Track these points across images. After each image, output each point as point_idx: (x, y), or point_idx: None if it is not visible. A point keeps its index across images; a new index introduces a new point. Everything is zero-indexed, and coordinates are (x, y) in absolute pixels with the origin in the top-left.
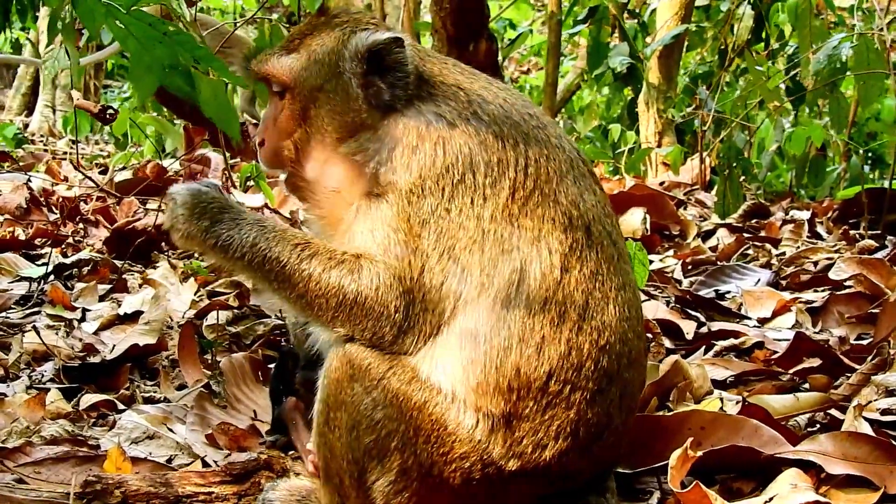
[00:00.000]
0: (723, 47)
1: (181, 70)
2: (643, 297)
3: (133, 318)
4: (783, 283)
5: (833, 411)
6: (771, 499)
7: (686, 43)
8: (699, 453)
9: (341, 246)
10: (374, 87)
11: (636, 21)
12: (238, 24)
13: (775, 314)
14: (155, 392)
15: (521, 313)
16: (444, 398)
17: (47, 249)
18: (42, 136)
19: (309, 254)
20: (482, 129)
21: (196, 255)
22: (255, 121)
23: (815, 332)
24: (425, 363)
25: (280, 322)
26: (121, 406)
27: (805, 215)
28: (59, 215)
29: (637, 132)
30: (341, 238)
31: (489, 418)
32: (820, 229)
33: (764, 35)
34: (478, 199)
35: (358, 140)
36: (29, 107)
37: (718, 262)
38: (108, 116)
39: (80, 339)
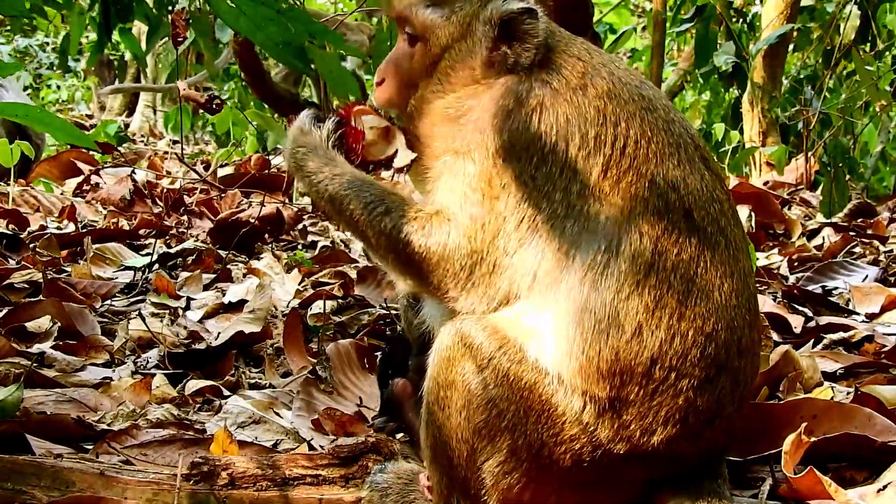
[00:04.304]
0: (828, 48)
1: (294, 47)
2: None
3: (237, 306)
4: (891, 279)
5: None
6: (885, 487)
7: (792, 45)
8: (813, 439)
9: (422, 200)
10: (499, 52)
11: (742, 21)
12: (344, 17)
13: (884, 310)
14: (260, 379)
15: (611, 296)
16: (552, 380)
17: (151, 240)
18: (143, 135)
19: (382, 210)
20: (585, 103)
21: (299, 246)
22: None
23: None
24: (532, 344)
25: (385, 312)
26: (226, 392)
27: None
28: (162, 207)
29: (741, 132)
30: (429, 190)
31: (595, 402)
32: None
33: (870, 36)
34: (567, 172)
35: (459, 96)
36: (130, 107)
37: (825, 260)
38: (214, 107)
39: (185, 327)
